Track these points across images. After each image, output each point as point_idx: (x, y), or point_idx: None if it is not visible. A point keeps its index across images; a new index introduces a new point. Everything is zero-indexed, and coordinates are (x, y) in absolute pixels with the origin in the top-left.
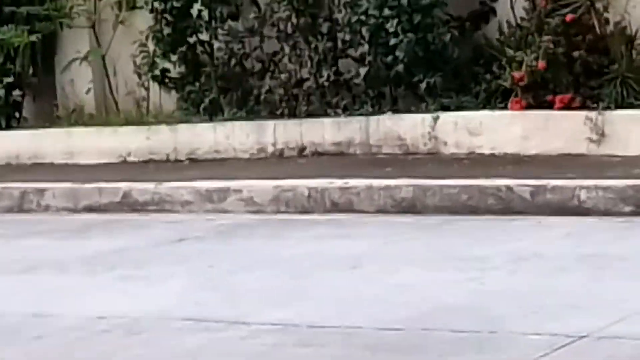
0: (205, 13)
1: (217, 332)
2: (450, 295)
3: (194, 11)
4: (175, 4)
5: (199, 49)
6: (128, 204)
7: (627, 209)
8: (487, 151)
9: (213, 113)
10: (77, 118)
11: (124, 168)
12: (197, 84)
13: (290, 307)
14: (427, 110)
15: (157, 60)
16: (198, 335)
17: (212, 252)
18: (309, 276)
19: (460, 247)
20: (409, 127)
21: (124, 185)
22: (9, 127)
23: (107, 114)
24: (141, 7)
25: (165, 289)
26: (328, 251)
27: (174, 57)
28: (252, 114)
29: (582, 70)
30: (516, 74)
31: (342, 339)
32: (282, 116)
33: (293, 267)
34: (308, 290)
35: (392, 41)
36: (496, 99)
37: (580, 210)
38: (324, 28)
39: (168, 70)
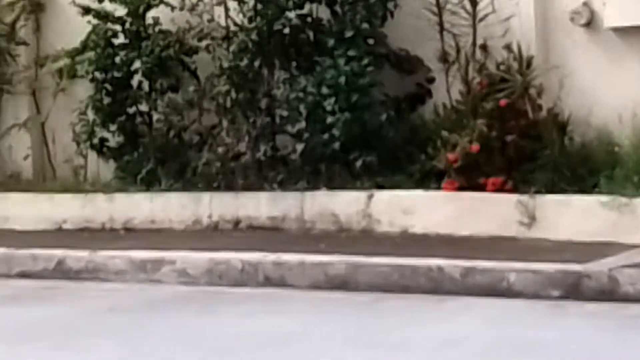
0: (145, 84)
1: None
2: None
3: (135, 82)
4: (116, 75)
5: (138, 119)
6: (62, 272)
7: (556, 293)
8: (419, 231)
9: (150, 183)
10: (14, 184)
11: (59, 235)
12: (135, 154)
13: None
14: (361, 188)
15: (96, 129)
16: None
17: (145, 325)
18: (240, 354)
19: (391, 328)
20: (344, 204)
21: (58, 253)
22: None
23: (44, 180)
24: (82, 77)
25: None
26: (259, 328)
27: (112, 127)
28: (188, 186)
29: (515, 155)
30: (450, 156)
31: None
32: (218, 189)
33: (223, 345)
34: None
35: (329, 119)
36: (430, 180)
37: (509, 293)
38: (263, 104)
39: (106, 140)
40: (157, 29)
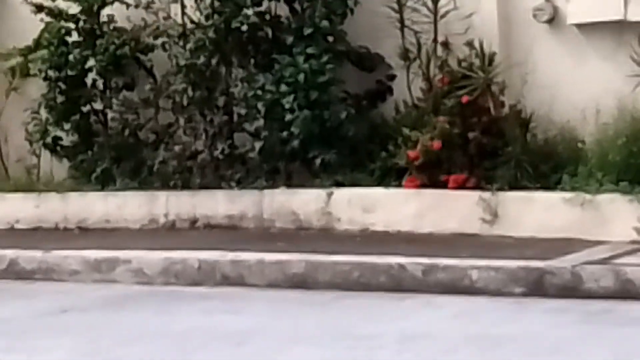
0: (100, 82)
1: None
2: None
3: (89, 80)
4: (70, 73)
5: (93, 118)
6: (14, 272)
7: (518, 290)
8: (380, 228)
9: (105, 183)
10: None
11: (12, 235)
12: (90, 152)
13: None
14: (321, 186)
15: (50, 128)
16: None
17: (98, 325)
18: (196, 352)
19: (350, 325)
20: (303, 202)
21: (10, 253)
22: None
23: None
24: (35, 75)
25: None
26: (216, 326)
27: (66, 126)
28: (144, 185)
29: (477, 151)
30: (411, 153)
31: None
32: (175, 188)
33: (180, 342)
34: None
35: (288, 117)
36: (391, 177)
37: (472, 290)
38: (220, 101)
39: (60, 139)
40: (111, 26)
